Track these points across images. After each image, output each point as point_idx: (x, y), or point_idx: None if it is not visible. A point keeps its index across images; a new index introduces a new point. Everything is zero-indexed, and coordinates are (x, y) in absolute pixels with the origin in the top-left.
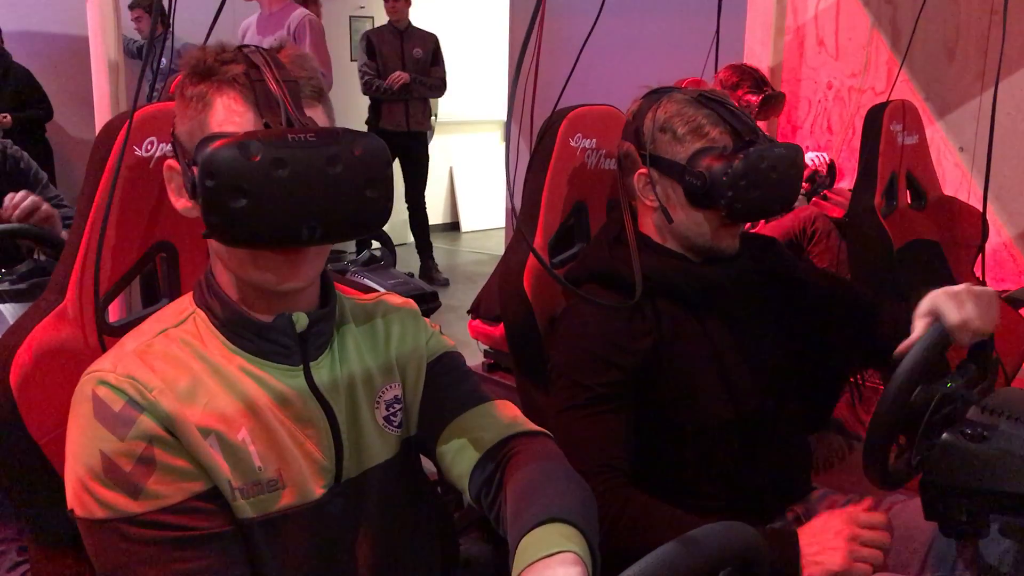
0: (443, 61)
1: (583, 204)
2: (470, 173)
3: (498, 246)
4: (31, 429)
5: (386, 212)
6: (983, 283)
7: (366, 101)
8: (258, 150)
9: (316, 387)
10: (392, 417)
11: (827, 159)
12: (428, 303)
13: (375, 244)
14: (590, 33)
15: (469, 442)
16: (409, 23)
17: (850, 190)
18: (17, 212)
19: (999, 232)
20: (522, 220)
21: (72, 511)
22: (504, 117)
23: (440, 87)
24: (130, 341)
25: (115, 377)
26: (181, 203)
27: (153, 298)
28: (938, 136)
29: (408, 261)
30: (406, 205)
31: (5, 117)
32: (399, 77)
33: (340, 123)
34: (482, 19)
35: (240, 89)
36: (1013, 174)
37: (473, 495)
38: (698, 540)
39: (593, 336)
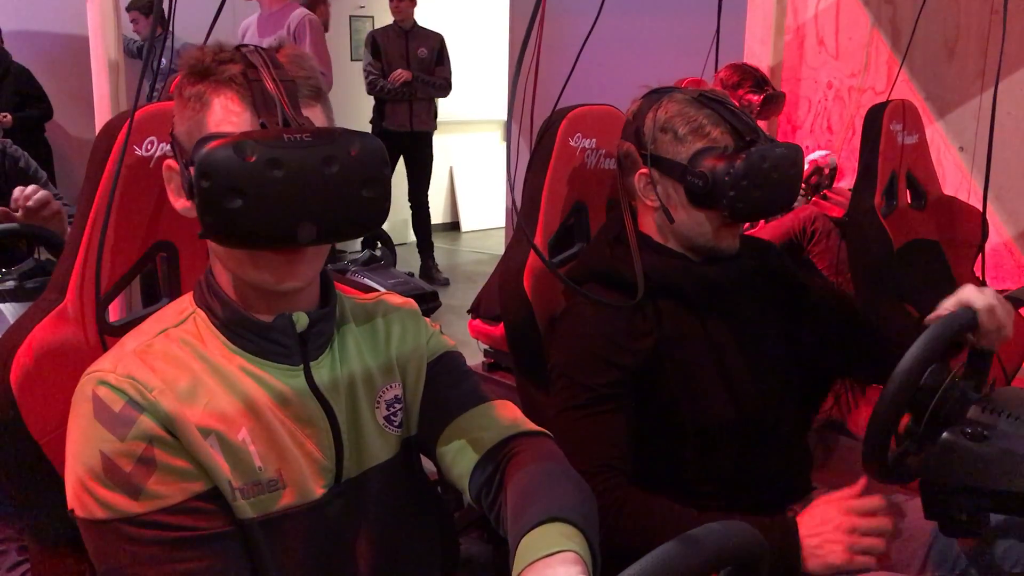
0: (448, 61)
1: (583, 204)
2: (470, 173)
3: (498, 246)
4: (31, 428)
5: (383, 212)
6: (983, 283)
7: (369, 101)
8: (253, 150)
9: (316, 387)
10: (392, 417)
11: (833, 161)
12: (428, 303)
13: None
14: (590, 33)
15: (469, 442)
16: (414, 23)
17: (850, 190)
18: (30, 203)
19: (999, 232)
20: (522, 217)
21: (72, 511)
22: (504, 117)
23: (445, 87)
24: (130, 341)
25: (115, 377)
26: (180, 203)
27: (153, 298)
28: (938, 136)
29: (408, 261)
30: (409, 204)
31: (6, 116)
32: (400, 75)
33: (342, 124)
34: (482, 19)
35: (237, 89)
36: (1013, 174)
37: (473, 495)
38: (698, 540)
39: (594, 336)
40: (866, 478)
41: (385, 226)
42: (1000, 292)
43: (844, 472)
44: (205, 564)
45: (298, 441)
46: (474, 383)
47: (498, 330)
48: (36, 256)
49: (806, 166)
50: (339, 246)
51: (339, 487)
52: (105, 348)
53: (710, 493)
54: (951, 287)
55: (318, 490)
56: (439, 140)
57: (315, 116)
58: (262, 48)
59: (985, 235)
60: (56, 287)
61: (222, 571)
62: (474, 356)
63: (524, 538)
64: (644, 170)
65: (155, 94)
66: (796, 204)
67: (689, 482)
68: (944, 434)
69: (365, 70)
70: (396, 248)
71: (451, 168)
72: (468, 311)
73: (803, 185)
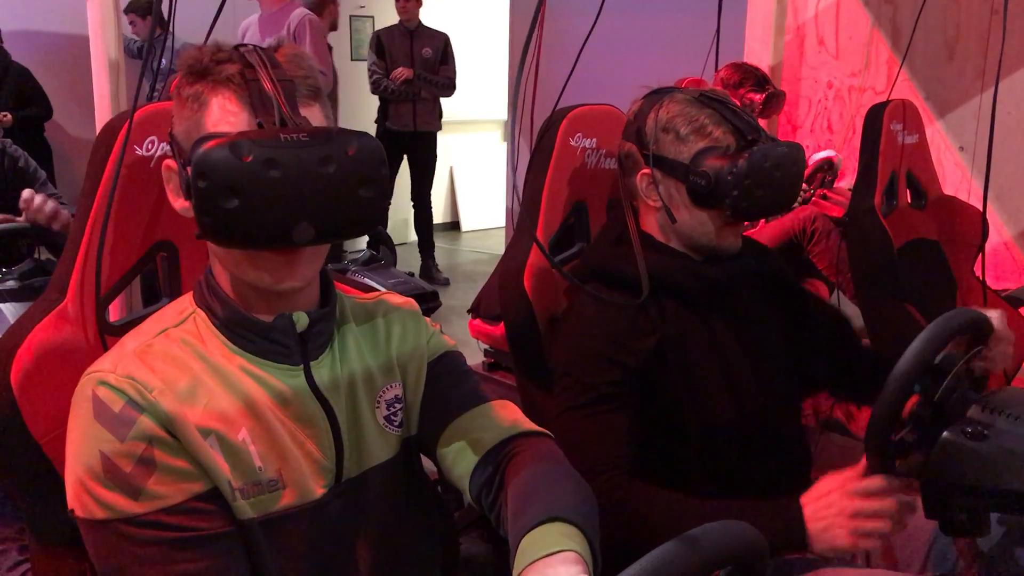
0: (453, 60)
1: (583, 204)
2: (470, 173)
3: (498, 245)
4: (32, 428)
5: (381, 211)
6: (983, 282)
7: (370, 101)
8: (250, 150)
9: (316, 387)
10: (393, 417)
11: (839, 161)
12: (428, 302)
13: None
14: (590, 33)
15: (469, 443)
16: (419, 23)
17: (850, 189)
18: (40, 217)
19: (999, 231)
20: (524, 213)
21: (72, 511)
22: (504, 116)
23: (448, 86)
24: (130, 341)
25: (115, 378)
26: (179, 203)
27: (153, 297)
28: (938, 135)
29: (408, 260)
30: (412, 204)
31: (6, 116)
32: (401, 73)
33: (343, 124)
34: (482, 19)
35: (235, 89)
36: (1013, 173)
37: (473, 495)
38: (698, 540)
39: (597, 335)
40: (865, 453)
41: (386, 225)
42: (1000, 292)
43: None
44: (205, 564)
45: (298, 441)
46: (474, 383)
47: (498, 330)
48: (36, 256)
49: (810, 164)
50: (343, 245)
51: (339, 487)
52: (105, 348)
53: (712, 492)
54: (951, 287)
55: (318, 490)
56: (439, 140)
57: (313, 116)
58: (260, 48)
59: (985, 235)
60: (56, 287)
61: (222, 571)
62: (474, 356)
63: (524, 538)
64: (646, 170)
65: (155, 94)
66: (799, 202)
67: (691, 481)
68: (944, 433)
69: (369, 70)
70: (396, 248)
71: (451, 168)
72: (468, 311)
73: (805, 185)
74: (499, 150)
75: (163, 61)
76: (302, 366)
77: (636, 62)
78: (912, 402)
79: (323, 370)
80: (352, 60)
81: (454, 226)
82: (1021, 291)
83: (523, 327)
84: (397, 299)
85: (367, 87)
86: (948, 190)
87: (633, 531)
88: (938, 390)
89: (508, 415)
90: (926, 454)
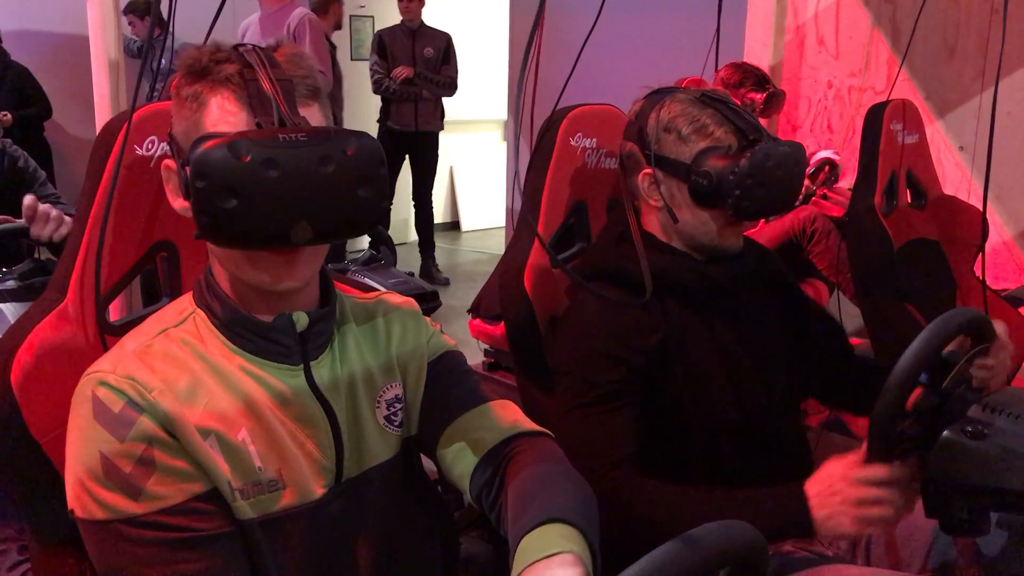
0: (455, 60)
1: (583, 204)
2: (470, 173)
3: (498, 245)
4: (32, 428)
5: (380, 211)
6: (983, 282)
7: (372, 100)
8: (248, 150)
9: (316, 387)
10: (393, 417)
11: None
12: (428, 302)
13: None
14: (590, 33)
15: (469, 443)
16: (422, 23)
17: (850, 189)
18: (47, 231)
19: (999, 231)
20: (525, 210)
21: (72, 512)
22: (504, 116)
23: (449, 85)
24: (130, 341)
25: (115, 378)
26: (178, 203)
27: (154, 297)
28: (938, 135)
29: (408, 260)
30: (413, 203)
31: (5, 115)
32: (402, 71)
33: (346, 124)
34: (482, 19)
35: (234, 89)
36: (1013, 173)
37: (474, 496)
38: (698, 540)
39: (600, 333)
40: (867, 443)
41: (386, 225)
42: (1000, 292)
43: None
44: (205, 565)
45: (298, 441)
46: (474, 383)
47: (498, 329)
48: (36, 256)
49: (811, 163)
50: (346, 244)
51: (339, 487)
52: (105, 348)
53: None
54: (951, 287)
55: (318, 490)
56: (439, 139)
57: (312, 115)
58: (259, 47)
59: (985, 235)
60: (56, 287)
61: (222, 572)
62: (474, 356)
63: (524, 539)
64: (648, 170)
65: (155, 94)
66: (800, 200)
67: (693, 480)
68: (945, 433)
69: (371, 69)
70: (396, 247)
71: (451, 168)
72: (468, 311)
73: (808, 182)
74: (499, 150)
75: (163, 61)
76: (302, 366)
77: (636, 62)
78: (915, 395)
79: (323, 370)
80: (352, 60)
81: (454, 226)
82: (1021, 291)
83: (523, 327)
84: (397, 299)
85: (367, 87)
86: (948, 190)
87: (642, 528)
88: (944, 379)
89: (508, 415)
90: (928, 447)
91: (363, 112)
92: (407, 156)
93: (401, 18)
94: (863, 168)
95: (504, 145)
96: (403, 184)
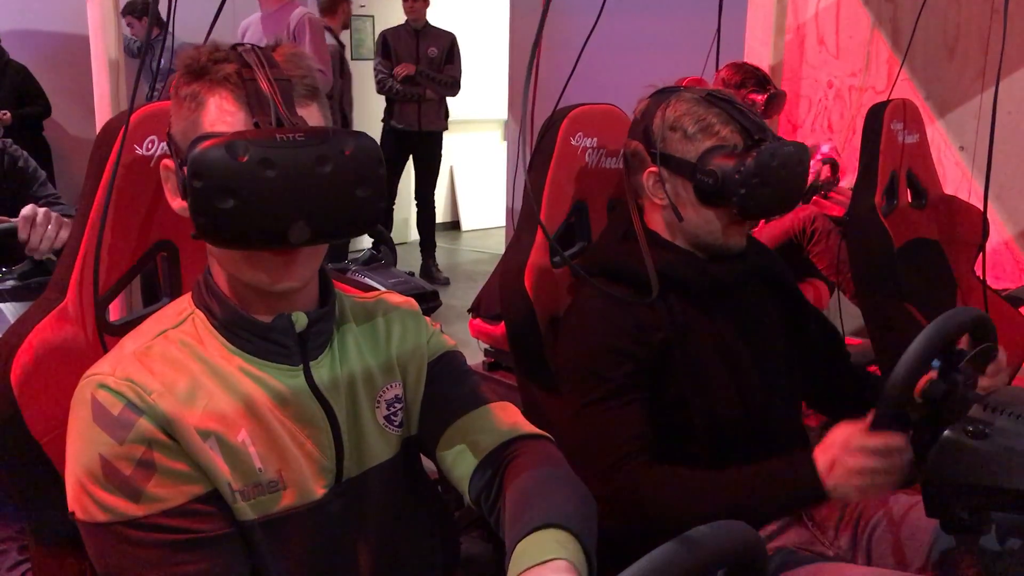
0: (459, 60)
1: (583, 203)
2: (470, 172)
3: (498, 245)
4: (32, 428)
5: (378, 211)
6: (983, 282)
7: (372, 100)
8: (245, 150)
9: (316, 387)
10: (393, 417)
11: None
12: (429, 302)
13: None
14: (591, 32)
15: (468, 446)
16: (427, 23)
17: (850, 189)
18: (46, 245)
19: (999, 231)
20: (524, 212)
21: (73, 514)
22: (504, 116)
23: (452, 85)
24: (129, 343)
25: (114, 380)
26: (177, 203)
27: (154, 297)
28: (939, 135)
29: (408, 260)
30: (415, 202)
31: (5, 114)
32: (403, 68)
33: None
34: (483, 19)
35: (232, 88)
36: (1013, 173)
37: (473, 499)
38: (696, 540)
39: (606, 329)
40: (874, 412)
41: (387, 225)
42: (1000, 292)
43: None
44: (206, 566)
45: (298, 441)
46: (474, 384)
47: (498, 329)
48: (35, 257)
49: (815, 158)
50: (348, 244)
51: (340, 487)
52: (105, 348)
53: None
54: (951, 286)
55: (319, 490)
56: None
57: (311, 115)
58: (258, 47)
59: (986, 234)
60: (56, 286)
61: (223, 573)
62: (474, 356)
63: (519, 544)
64: (653, 168)
65: (155, 94)
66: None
67: None
68: (946, 432)
69: (375, 69)
70: (397, 247)
71: (451, 168)
72: (468, 310)
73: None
74: (499, 150)
75: (163, 61)
76: (301, 366)
77: (636, 62)
78: (923, 382)
79: (323, 370)
80: (352, 59)
81: (454, 226)
82: (1021, 291)
83: (524, 326)
84: (397, 298)
85: (368, 86)
86: (948, 190)
87: (667, 516)
88: (960, 361)
89: (507, 417)
90: (933, 434)
91: (364, 112)
92: (410, 156)
93: (406, 18)
94: (863, 168)
95: (504, 145)
96: (404, 184)
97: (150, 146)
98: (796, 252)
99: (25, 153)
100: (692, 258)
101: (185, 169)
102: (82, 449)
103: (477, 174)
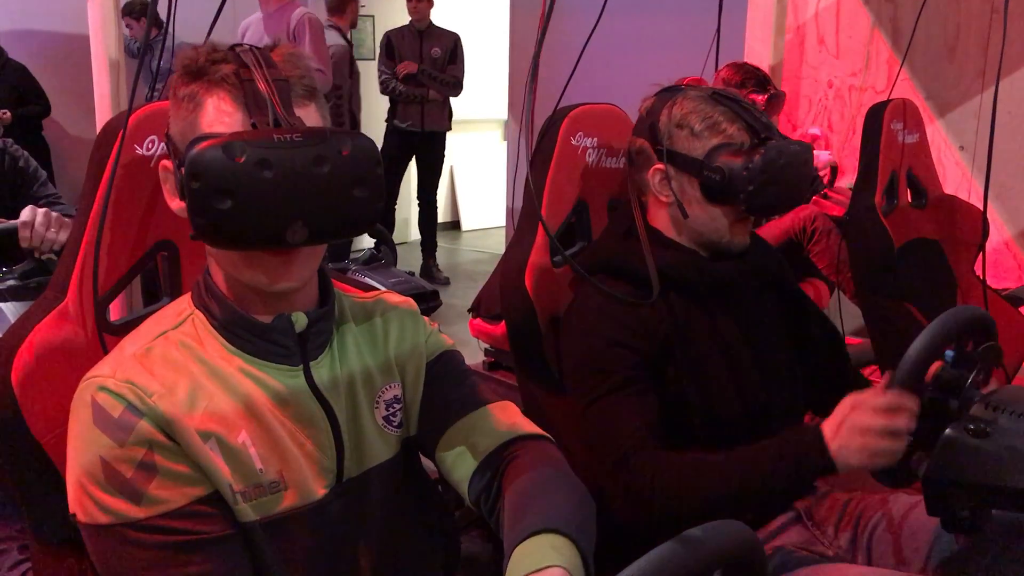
0: (462, 60)
1: (584, 203)
2: (470, 172)
3: (498, 245)
4: (33, 427)
5: (375, 211)
6: (983, 281)
7: (376, 100)
8: (243, 151)
9: (316, 387)
10: (392, 417)
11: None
12: (429, 302)
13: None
14: (592, 32)
15: (468, 447)
16: (430, 23)
17: (850, 188)
18: (47, 245)
19: (999, 231)
20: (525, 212)
21: (74, 516)
22: (504, 116)
23: (454, 85)
24: (129, 345)
25: (114, 383)
26: (175, 203)
27: (154, 297)
28: (939, 135)
29: (409, 260)
30: (416, 202)
31: (5, 113)
32: (406, 67)
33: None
34: (483, 19)
35: (230, 89)
36: (1013, 173)
37: (473, 500)
38: (696, 540)
39: (608, 325)
40: (887, 377)
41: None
42: (1000, 291)
43: (846, 472)
44: (208, 568)
45: (298, 442)
46: (473, 384)
47: (499, 329)
48: (36, 255)
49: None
50: (350, 244)
51: (340, 487)
52: (105, 348)
53: None
54: (951, 286)
55: (319, 490)
56: None
57: (309, 115)
58: (256, 47)
59: (986, 234)
60: (57, 286)
61: (225, 574)
62: (475, 355)
63: (516, 549)
64: (659, 165)
65: (155, 94)
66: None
67: None
68: (947, 430)
69: (379, 70)
70: (397, 247)
71: (451, 167)
72: (468, 310)
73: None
74: (499, 150)
75: (163, 61)
76: (301, 366)
77: (636, 62)
78: (934, 369)
79: (322, 370)
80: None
81: (454, 225)
82: (1021, 290)
83: (524, 326)
84: (395, 298)
85: (370, 86)
86: (948, 189)
87: (680, 500)
88: (976, 347)
89: (506, 418)
90: (937, 421)
91: (367, 111)
92: (413, 156)
93: (409, 19)
94: (863, 168)
95: (504, 145)
96: (405, 183)
97: (150, 146)
98: (796, 252)
99: (25, 153)
100: (694, 256)
101: (183, 170)
102: (83, 451)
103: (477, 174)
